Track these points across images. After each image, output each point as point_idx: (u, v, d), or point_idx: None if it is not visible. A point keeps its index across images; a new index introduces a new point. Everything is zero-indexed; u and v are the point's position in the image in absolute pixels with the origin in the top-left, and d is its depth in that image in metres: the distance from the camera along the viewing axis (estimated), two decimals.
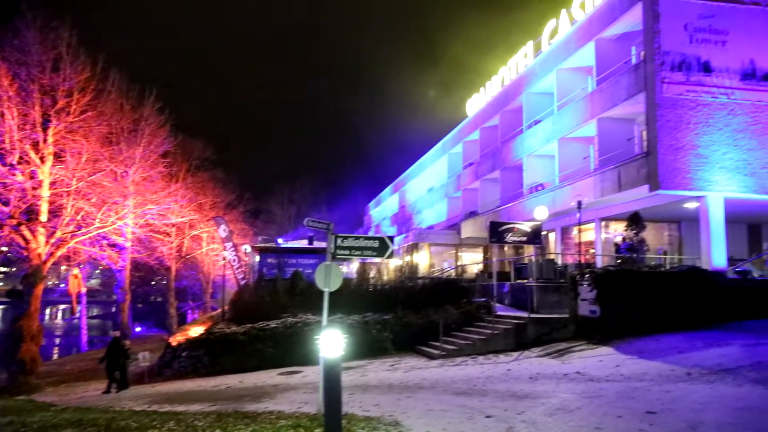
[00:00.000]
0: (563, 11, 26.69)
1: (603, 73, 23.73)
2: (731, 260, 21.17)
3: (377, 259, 12.03)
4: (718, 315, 16.85)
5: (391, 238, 11.54)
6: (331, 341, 7.85)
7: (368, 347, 18.89)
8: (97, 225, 25.65)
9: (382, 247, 11.20)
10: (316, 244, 32.63)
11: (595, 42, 24.21)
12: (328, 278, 10.37)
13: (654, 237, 24.82)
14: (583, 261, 24.13)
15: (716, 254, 19.92)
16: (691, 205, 21.14)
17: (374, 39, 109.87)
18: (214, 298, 47.50)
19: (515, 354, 16.51)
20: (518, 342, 17.39)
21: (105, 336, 40.07)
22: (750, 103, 20.41)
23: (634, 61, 22.83)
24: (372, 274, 25.12)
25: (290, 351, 18.63)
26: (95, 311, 57.95)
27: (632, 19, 21.92)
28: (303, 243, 35.82)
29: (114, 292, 39.40)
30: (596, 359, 14.12)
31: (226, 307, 28.16)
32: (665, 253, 24.30)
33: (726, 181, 19.92)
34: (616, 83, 22.31)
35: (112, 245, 30.31)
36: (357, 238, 11.30)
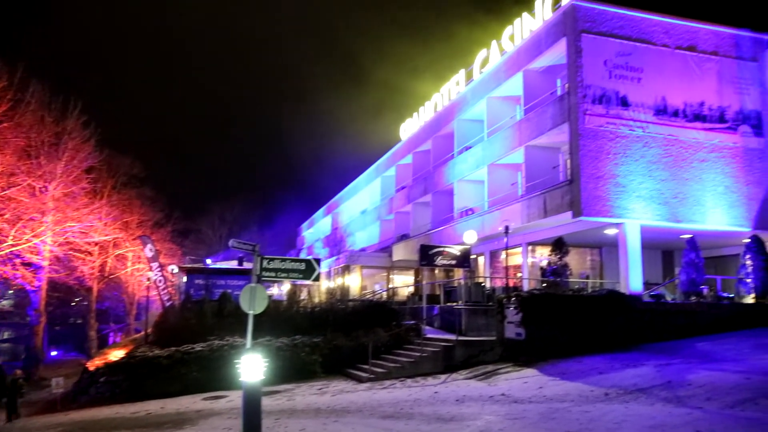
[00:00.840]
0: (494, 42, 27.67)
1: (530, 103, 24.67)
2: (647, 284, 22.26)
3: (306, 282, 11.95)
4: (635, 337, 17.63)
5: (318, 261, 11.48)
6: (252, 365, 7.70)
7: (297, 370, 18.61)
8: (10, 243, 24.25)
9: (308, 270, 11.12)
10: (247, 265, 32.03)
11: (523, 73, 25.16)
12: (253, 300, 10.19)
13: (577, 261, 25.78)
14: (510, 284, 24.70)
15: (633, 279, 20.88)
16: (611, 232, 22.12)
17: (306, 58, 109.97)
18: (138, 320, 45.65)
19: (443, 376, 16.65)
20: (446, 364, 17.55)
21: (16, 362, 37.68)
22: (663, 136, 21.69)
23: (559, 92, 23.86)
24: (303, 296, 24.86)
25: (216, 375, 18.10)
26: (6, 334, 54.62)
27: (557, 53, 22.95)
28: (233, 264, 35.11)
29: (27, 313, 37.29)
30: (521, 381, 14.43)
31: (149, 330, 27.13)
32: (587, 277, 25.26)
33: (642, 209, 21.00)
34: (543, 113, 23.22)
35: (27, 264, 28.71)
36: (284, 260, 11.18)
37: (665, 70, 22.16)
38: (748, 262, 21.03)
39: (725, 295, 22.53)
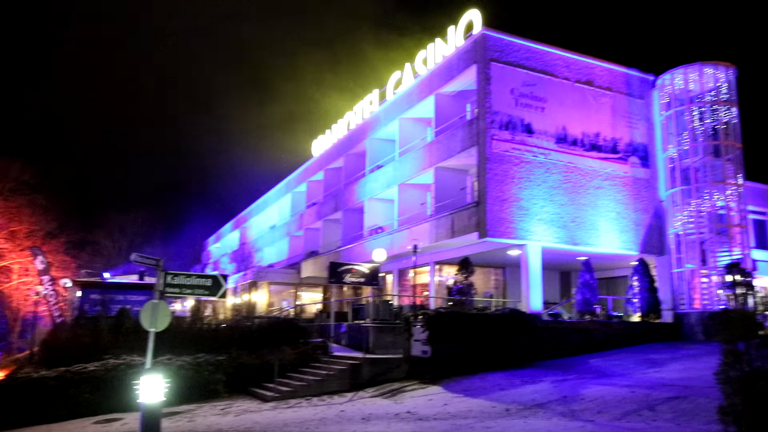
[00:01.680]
0: (407, 65, 28.31)
1: (441, 126, 25.38)
2: (546, 303, 23.33)
3: (212, 298, 11.58)
4: (535, 353, 18.40)
5: (226, 277, 11.21)
6: (152, 385, 7.38)
7: (199, 390, 17.93)
8: None
9: (215, 286, 10.84)
10: (149, 280, 30.67)
11: (435, 96, 25.89)
12: (155, 317, 9.78)
13: (482, 281, 26.63)
14: (417, 302, 25.12)
15: (533, 298, 21.82)
16: (514, 253, 23.04)
17: (213, 69, 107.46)
18: (22, 338, 42.39)
19: (350, 395, 16.60)
20: (353, 382, 17.52)
21: None
22: (563, 163, 22.96)
23: (468, 117, 24.70)
24: (207, 312, 24.08)
25: (111, 396, 17.09)
26: None
27: (468, 79, 23.82)
28: (134, 278, 33.49)
29: None
30: (426, 398, 14.65)
31: (36, 348, 25.27)
32: (491, 296, 26.14)
33: (543, 231, 22.05)
34: (452, 136, 23.95)
35: None
36: (189, 275, 10.83)
37: (566, 102, 23.53)
38: (635, 283, 22.58)
39: (615, 314, 24.03)
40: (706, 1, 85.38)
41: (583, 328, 20.66)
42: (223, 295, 10.82)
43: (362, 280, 22.33)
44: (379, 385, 17.13)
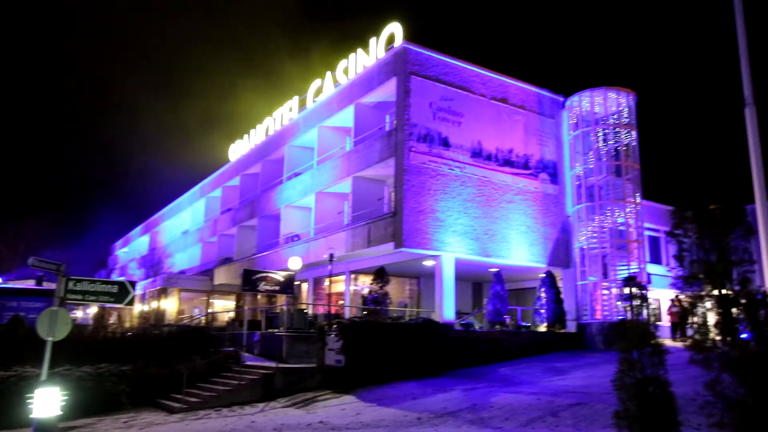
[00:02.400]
0: (328, 73, 28.32)
1: (360, 136, 25.53)
2: (459, 313, 23.88)
3: (118, 305, 11.04)
4: (447, 363, 18.78)
5: (133, 283, 10.75)
6: (47, 398, 6.95)
7: (101, 402, 16.99)
8: None
9: (121, 293, 10.37)
10: (48, 285, 28.87)
11: (354, 106, 26.03)
12: (54, 325, 9.23)
13: (397, 290, 26.90)
14: (333, 312, 25.04)
15: (447, 308, 22.28)
16: (428, 263, 23.46)
17: (121, 69, 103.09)
18: None
19: (261, 405, 16.29)
20: (266, 392, 17.20)
21: None
22: (477, 177, 23.66)
23: (387, 128, 25.00)
24: (112, 320, 22.94)
25: (0, 412, 15.90)
26: None
27: (388, 91, 24.13)
28: (30, 284, 31.41)
29: None
30: (339, 408, 14.60)
31: None
32: (406, 305, 26.44)
33: (457, 243, 22.59)
34: (371, 146, 24.14)
35: None
36: (93, 281, 10.30)
37: (482, 117, 24.30)
38: (543, 295, 23.57)
39: (524, 324, 24.95)
40: (615, 31, 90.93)
41: (494, 338, 21.30)
42: (130, 303, 10.36)
43: (277, 288, 22.02)
44: (292, 395, 16.91)
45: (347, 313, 24.16)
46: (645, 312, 6.09)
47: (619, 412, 5.88)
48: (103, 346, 19.42)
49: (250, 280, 21.39)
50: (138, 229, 56.18)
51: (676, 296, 22.59)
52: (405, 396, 15.00)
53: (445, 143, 23.08)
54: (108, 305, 14.99)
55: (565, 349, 22.47)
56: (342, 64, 27.25)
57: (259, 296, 32.12)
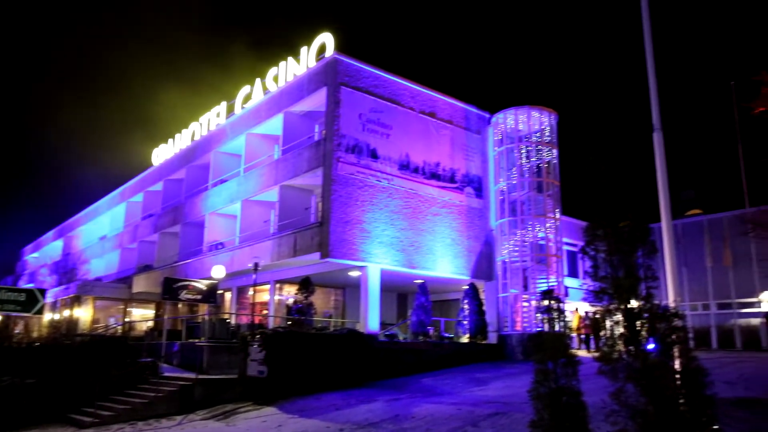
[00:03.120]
0: (257, 80, 27.97)
1: (289, 144, 25.35)
2: (383, 324, 24.03)
3: (25, 314, 10.38)
4: (371, 373, 18.84)
5: (43, 291, 10.22)
6: None
7: (4, 419, 15.99)
8: None
9: (29, 301, 9.84)
10: None
11: (284, 114, 25.84)
12: None
13: (322, 301, 26.80)
14: (256, 321, 24.62)
15: (372, 319, 22.38)
16: (354, 274, 23.51)
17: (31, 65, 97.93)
18: None
19: (179, 418, 15.78)
20: (184, 405, 16.67)
21: None
22: (404, 189, 23.97)
23: (316, 137, 24.96)
24: (18, 329, 21.63)
25: None
26: None
27: (317, 100, 24.11)
28: None
29: None
30: (260, 420, 14.36)
31: None
32: (330, 316, 26.37)
33: (383, 254, 22.77)
34: (299, 155, 24.02)
35: None
36: None
37: (410, 131, 24.68)
38: (466, 306, 24.09)
39: (447, 335, 25.39)
40: (541, 53, 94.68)
41: (417, 349, 21.56)
42: (40, 311, 9.84)
43: (199, 297, 21.49)
44: (212, 407, 16.48)
45: (271, 323, 23.83)
46: (560, 324, 6.38)
47: (534, 421, 6.12)
48: (8, 357, 18.29)
49: (170, 289, 20.77)
50: (51, 233, 53.37)
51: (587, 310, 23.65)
52: (328, 407, 14.93)
53: (374, 155, 23.28)
54: (14, 314, 14.08)
55: (487, 360, 23.03)
56: (272, 71, 27.00)
57: (180, 305, 31.15)
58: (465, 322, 24.04)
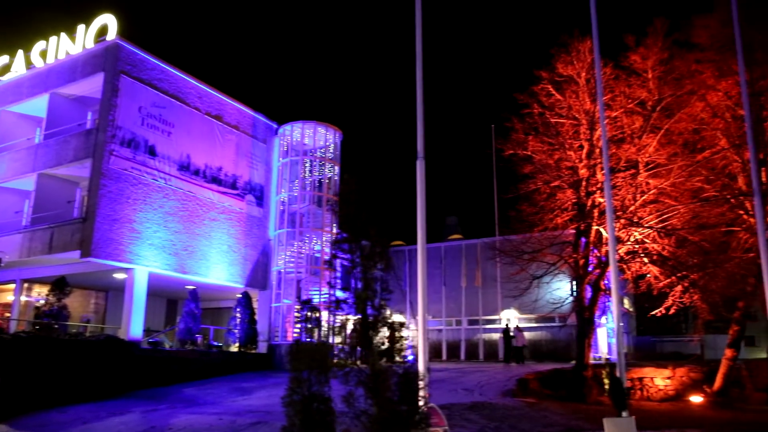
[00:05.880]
0: (20, 52, 24.73)
1: (54, 129, 22.84)
2: (148, 331, 22.74)
3: None
4: (130, 383, 17.70)
5: None
6: None
7: None
8: None
9: None
10: None
11: (50, 95, 23.26)
12: None
13: (81, 304, 24.53)
14: None
15: (135, 325, 21.00)
16: (120, 276, 21.91)
17: None
18: None
19: None
20: None
21: None
22: (182, 191, 23.05)
23: (88, 126, 22.88)
24: None
25: None
26: None
27: (93, 86, 22.15)
28: None
29: None
30: None
31: None
32: (89, 321, 24.23)
33: (153, 257, 21.57)
34: (66, 143, 21.81)
35: None
36: None
37: (194, 131, 23.84)
38: (238, 315, 23.84)
39: (216, 344, 24.84)
40: (335, 73, 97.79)
41: (183, 357, 20.76)
42: None
43: None
44: None
45: (13, 328, 21.12)
46: (318, 334, 6.80)
47: (285, 427, 6.39)
48: None
49: None
50: None
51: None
52: (74, 421, 13.70)
53: (152, 152, 22.04)
54: None
55: (255, 370, 22.98)
56: (39, 45, 24.09)
57: None
58: (236, 331, 23.74)
